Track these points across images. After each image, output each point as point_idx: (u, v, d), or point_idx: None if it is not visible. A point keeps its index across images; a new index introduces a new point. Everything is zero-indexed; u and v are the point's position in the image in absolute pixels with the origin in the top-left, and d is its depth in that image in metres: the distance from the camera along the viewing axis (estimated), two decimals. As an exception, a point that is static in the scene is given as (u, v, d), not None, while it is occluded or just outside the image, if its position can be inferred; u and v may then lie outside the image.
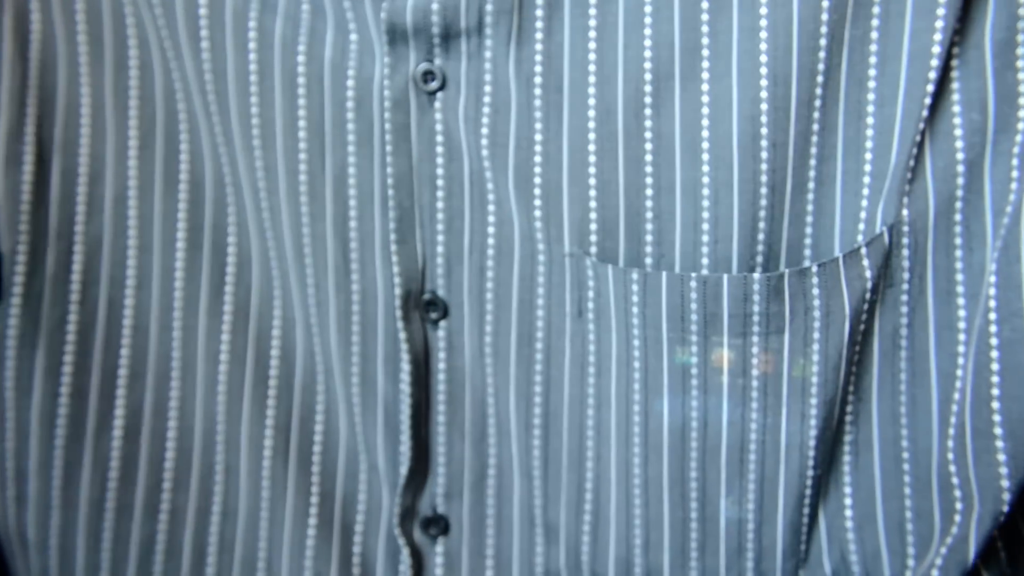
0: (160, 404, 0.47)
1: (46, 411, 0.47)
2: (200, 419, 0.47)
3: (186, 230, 0.46)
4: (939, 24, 0.38)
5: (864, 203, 0.41)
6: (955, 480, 0.41)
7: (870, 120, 0.40)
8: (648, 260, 0.41)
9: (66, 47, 0.45)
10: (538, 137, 0.41)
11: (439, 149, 0.43)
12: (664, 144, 0.40)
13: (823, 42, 0.39)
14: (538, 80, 0.41)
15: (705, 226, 0.41)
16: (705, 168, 0.40)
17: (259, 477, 0.47)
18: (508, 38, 0.41)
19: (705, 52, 0.39)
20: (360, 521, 0.47)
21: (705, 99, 0.39)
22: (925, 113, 0.39)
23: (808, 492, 0.43)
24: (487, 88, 0.42)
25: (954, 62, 0.39)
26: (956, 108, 0.39)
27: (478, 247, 0.43)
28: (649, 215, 0.41)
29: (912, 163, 0.40)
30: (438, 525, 0.47)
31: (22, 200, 0.45)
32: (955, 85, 0.39)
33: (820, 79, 0.39)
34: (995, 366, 0.39)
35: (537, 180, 0.42)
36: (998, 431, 0.39)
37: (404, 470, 0.45)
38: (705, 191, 0.40)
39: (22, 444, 0.47)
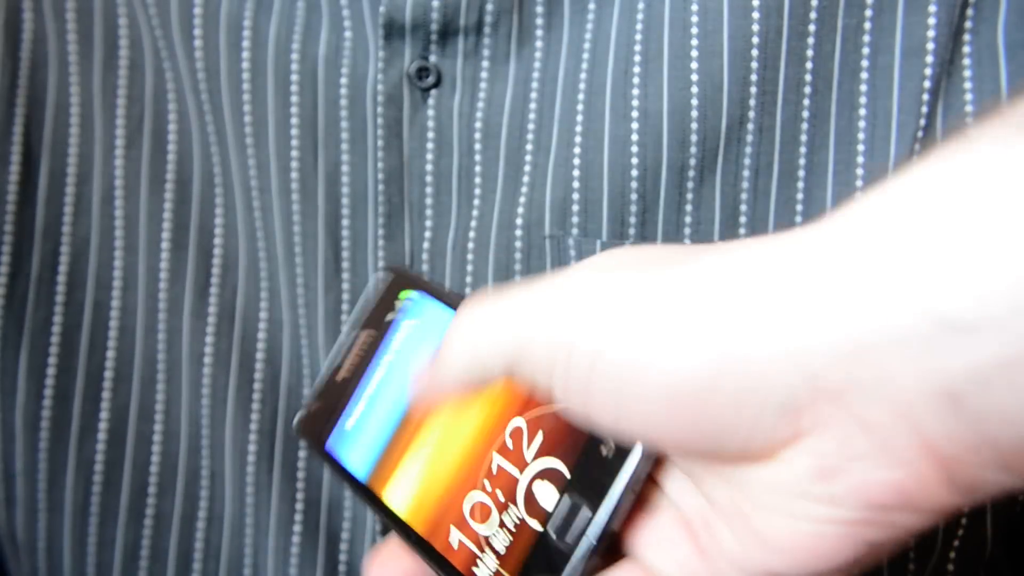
0: (146, 408, 0.47)
1: (30, 413, 0.46)
2: (185, 423, 0.47)
3: (171, 230, 0.46)
4: (931, 21, 0.38)
5: (859, 196, 0.40)
6: None
7: (862, 112, 0.40)
8: (630, 242, 0.41)
9: (56, 46, 0.45)
10: (531, 126, 0.42)
11: (429, 145, 0.42)
12: (651, 122, 0.40)
13: (812, 28, 0.38)
14: (536, 75, 0.41)
15: (688, 207, 0.40)
16: (693, 149, 0.40)
17: (243, 483, 0.46)
18: (508, 38, 0.41)
19: (695, 31, 0.39)
20: (346, 529, 0.46)
21: (694, 78, 0.39)
22: (925, 109, 0.39)
23: None
24: (483, 85, 0.42)
25: (966, 61, 0.39)
26: (969, 108, 0.39)
27: (460, 242, 0.43)
28: (634, 196, 0.40)
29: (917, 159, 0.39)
30: None
31: (8, 200, 0.45)
32: (968, 85, 0.39)
33: (809, 65, 0.39)
34: None
35: (527, 168, 0.42)
36: None
37: None
38: (691, 172, 0.40)
39: (8, 446, 0.46)
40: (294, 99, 0.43)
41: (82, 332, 0.46)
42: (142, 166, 0.45)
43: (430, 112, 0.42)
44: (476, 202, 0.42)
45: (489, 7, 0.41)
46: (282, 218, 0.44)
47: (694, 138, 0.39)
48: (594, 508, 0.28)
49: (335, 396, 0.36)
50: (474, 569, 0.30)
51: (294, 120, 0.43)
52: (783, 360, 0.22)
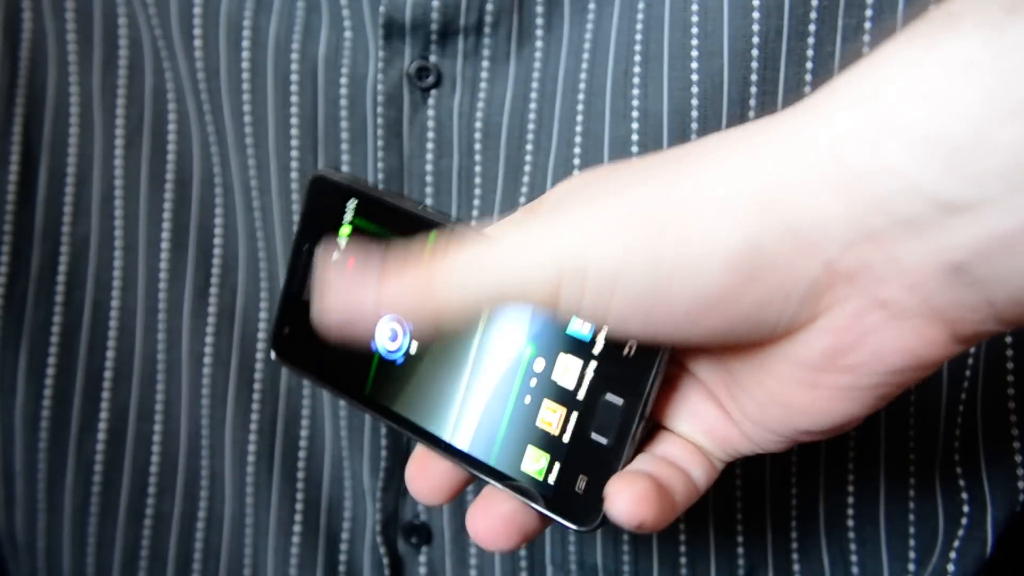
0: (145, 408, 0.47)
1: (29, 413, 0.46)
2: (185, 423, 0.47)
3: (171, 230, 0.45)
4: None
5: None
6: (961, 483, 0.40)
7: None
8: None
9: (56, 46, 0.45)
10: (531, 127, 0.41)
11: (429, 145, 0.42)
12: (651, 123, 0.40)
13: (812, 28, 0.38)
14: (536, 75, 0.41)
15: None
16: None
17: (243, 483, 0.46)
18: (508, 38, 0.41)
19: (695, 31, 0.39)
20: (346, 529, 0.46)
21: (695, 78, 0.39)
22: None
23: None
24: (483, 85, 0.41)
25: None
26: None
27: None
28: None
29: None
30: (420, 534, 0.46)
31: (7, 200, 0.45)
32: None
33: (810, 65, 0.39)
34: (1010, 364, 0.38)
35: (527, 168, 0.41)
36: (1015, 432, 0.38)
37: (382, 474, 0.44)
38: None
39: (8, 446, 0.46)
40: (294, 99, 0.43)
41: (82, 332, 0.46)
42: (142, 166, 0.45)
43: (430, 112, 0.42)
44: (476, 202, 0.42)
45: (489, 7, 0.40)
46: (282, 218, 0.44)
47: (694, 138, 0.39)
48: (631, 404, 0.29)
49: (305, 317, 0.35)
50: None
51: (294, 120, 0.43)
52: (803, 256, 0.24)
